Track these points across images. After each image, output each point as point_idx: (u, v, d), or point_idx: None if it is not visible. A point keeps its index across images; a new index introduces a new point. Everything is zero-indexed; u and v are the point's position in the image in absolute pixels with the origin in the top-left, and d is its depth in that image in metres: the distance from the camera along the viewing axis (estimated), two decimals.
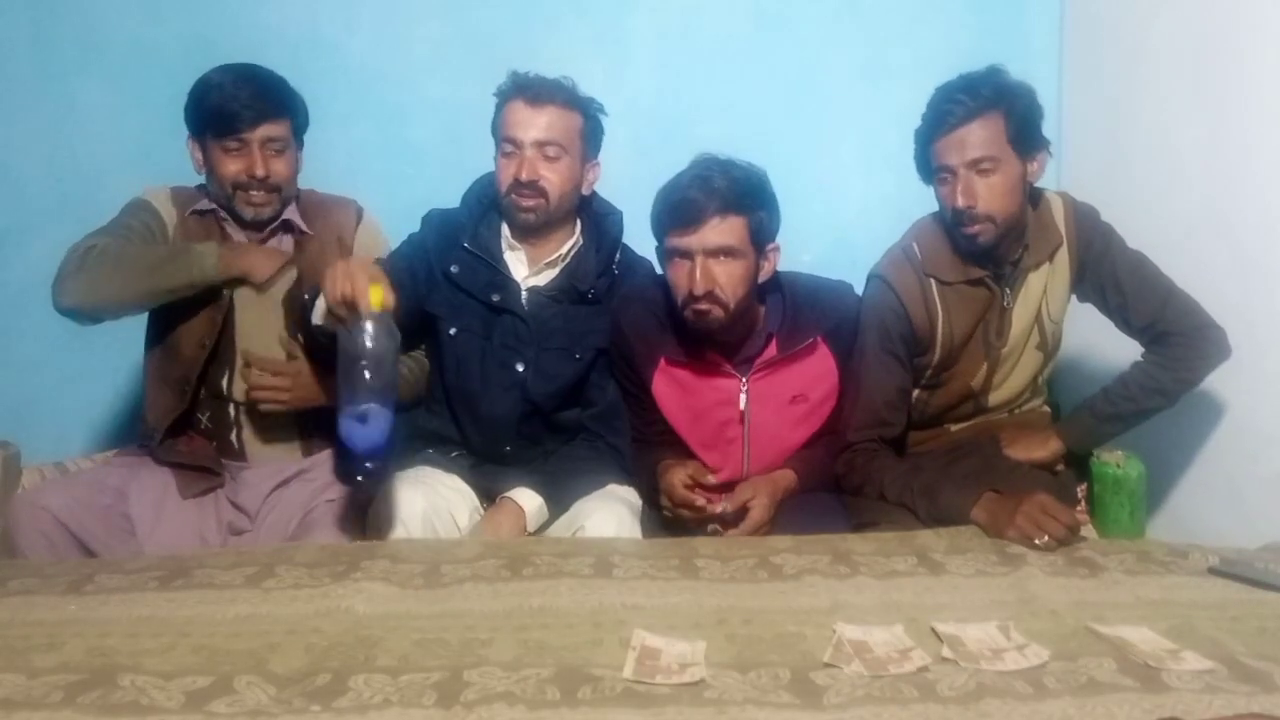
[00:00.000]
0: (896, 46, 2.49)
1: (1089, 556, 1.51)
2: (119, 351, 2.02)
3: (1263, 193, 1.82)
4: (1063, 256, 1.85)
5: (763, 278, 1.81)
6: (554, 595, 1.36)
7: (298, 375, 1.83)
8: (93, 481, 1.84)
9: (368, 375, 1.44)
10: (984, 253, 1.80)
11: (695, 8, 2.51)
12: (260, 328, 1.86)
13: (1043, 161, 1.79)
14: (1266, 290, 1.82)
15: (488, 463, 1.93)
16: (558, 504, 1.83)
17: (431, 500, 1.75)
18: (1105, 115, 2.32)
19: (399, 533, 1.68)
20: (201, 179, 1.89)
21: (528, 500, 1.79)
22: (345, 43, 2.46)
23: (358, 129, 2.44)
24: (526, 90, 1.82)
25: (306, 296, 1.69)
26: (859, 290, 1.94)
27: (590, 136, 1.89)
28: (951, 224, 1.78)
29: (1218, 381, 1.87)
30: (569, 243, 1.92)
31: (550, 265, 1.91)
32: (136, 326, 1.92)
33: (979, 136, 1.71)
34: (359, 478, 1.52)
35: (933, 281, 1.84)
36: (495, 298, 1.88)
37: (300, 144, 1.90)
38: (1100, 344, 2.09)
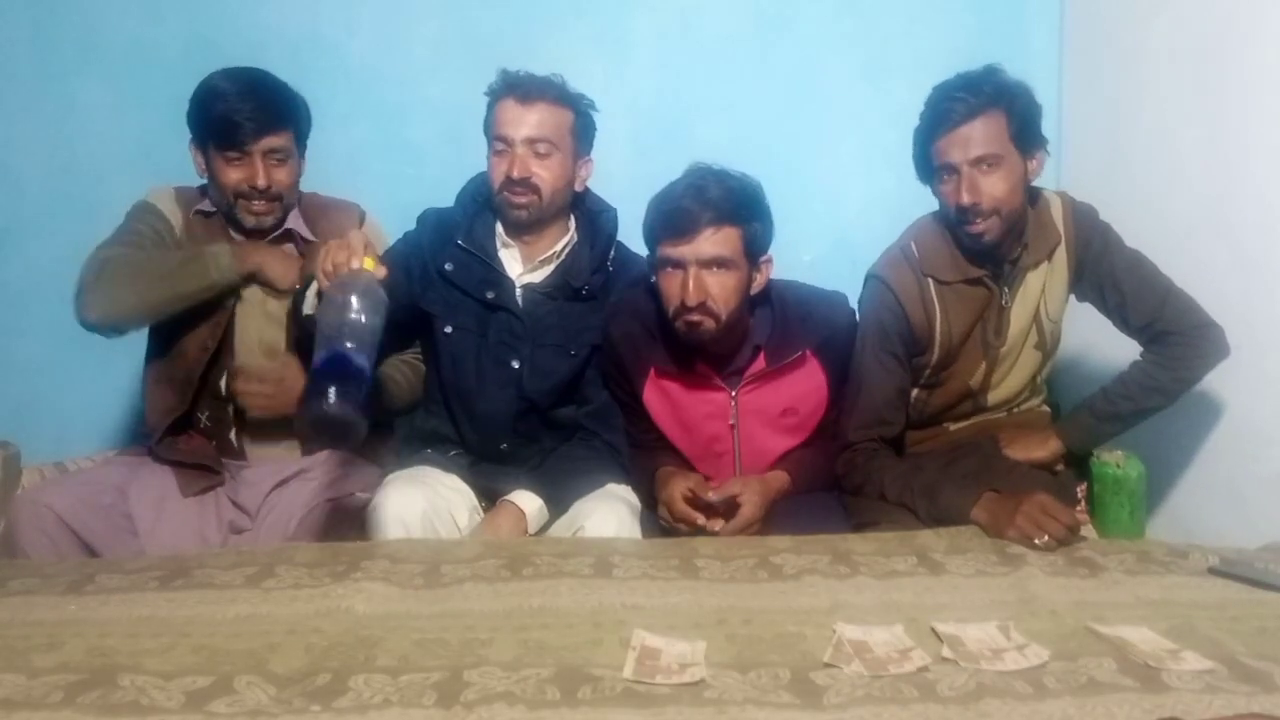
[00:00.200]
0: (896, 46, 2.49)
1: (1089, 556, 1.51)
2: (119, 351, 2.01)
3: (1263, 193, 1.82)
4: (1061, 256, 1.84)
5: (755, 290, 1.80)
6: (554, 595, 1.36)
7: (280, 381, 1.83)
8: (94, 480, 1.84)
9: (354, 317, 1.41)
10: (986, 251, 1.80)
11: (695, 8, 2.51)
12: (259, 331, 1.87)
13: (1041, 160, 1.79)
14: (1266, 290, 1.82)
15: (486, 461, 1.93)
16: (557, 504, 1.83)
17: (431, 500, 1.74)
18: (1105, 115, 2.32)
19: (399, 533, 1.68)
20: (204, 180, 1.89)
21: (528, 502, 1.79)
22: (345, 43, 2.46)
23: (358, 129, 2.44)
24: (516, 88, 1.82)
25: (299, 288, 1.69)
26: (853, 300, 1.93)
27: (582, 133, 1.88)
28: (955, 222, 1.78)
29: (1217, 381, 1.87)
30: (563, 239, 1.92)
31: (545, 262, 1.91)
32: None
33: (982, 134, 1.71)
34: (330, 401, 1.38)
35: (931, 281, 1.84)
36: (490, 295, 1.88)
37: (303, 151, 1.90)
38: (1099, 344, 2.09)
